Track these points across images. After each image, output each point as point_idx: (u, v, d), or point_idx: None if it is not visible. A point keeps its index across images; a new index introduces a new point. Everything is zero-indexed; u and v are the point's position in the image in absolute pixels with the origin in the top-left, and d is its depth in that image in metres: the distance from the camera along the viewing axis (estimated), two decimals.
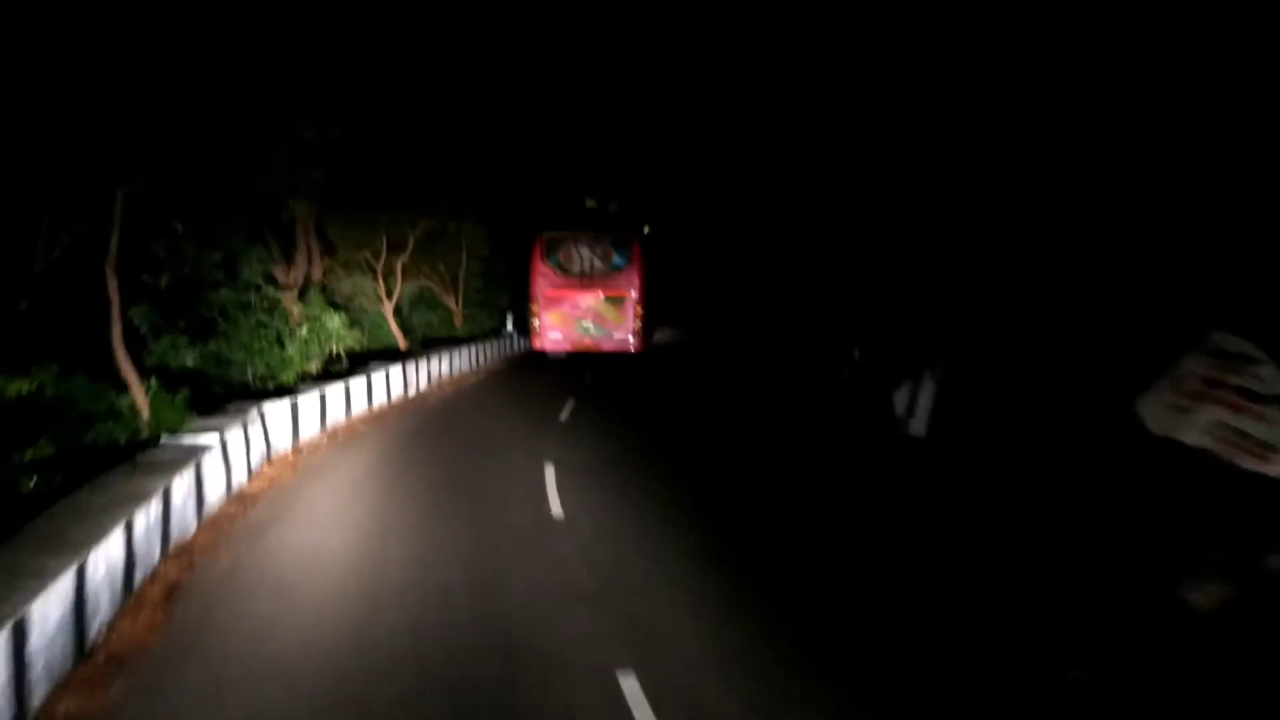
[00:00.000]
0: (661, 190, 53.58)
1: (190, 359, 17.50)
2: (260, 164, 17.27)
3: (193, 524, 11.45)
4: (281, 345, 21.09)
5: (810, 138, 33.47)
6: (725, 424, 20.30)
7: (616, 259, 28.44)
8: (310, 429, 17.71)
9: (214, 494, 12.46)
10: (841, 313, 23.20)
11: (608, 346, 28.52)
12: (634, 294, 28.46)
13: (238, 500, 13.21)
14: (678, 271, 45.00)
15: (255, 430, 14.97)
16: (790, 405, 22.23)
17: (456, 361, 29.46)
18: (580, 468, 15.55)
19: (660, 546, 11.24)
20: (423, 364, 25.71)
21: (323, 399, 18.49)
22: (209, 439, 12.99)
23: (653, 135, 49.76)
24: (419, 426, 19.98)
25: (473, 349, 31.71)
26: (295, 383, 20.15)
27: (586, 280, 28.53)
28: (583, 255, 28.18)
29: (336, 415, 19.15)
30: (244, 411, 15.22)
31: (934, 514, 12.75)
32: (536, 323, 28.86)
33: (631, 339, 28.38)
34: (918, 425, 16.04)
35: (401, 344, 31.05)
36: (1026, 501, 11.87)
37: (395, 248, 30.98)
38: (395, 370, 23.24)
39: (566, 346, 28.98)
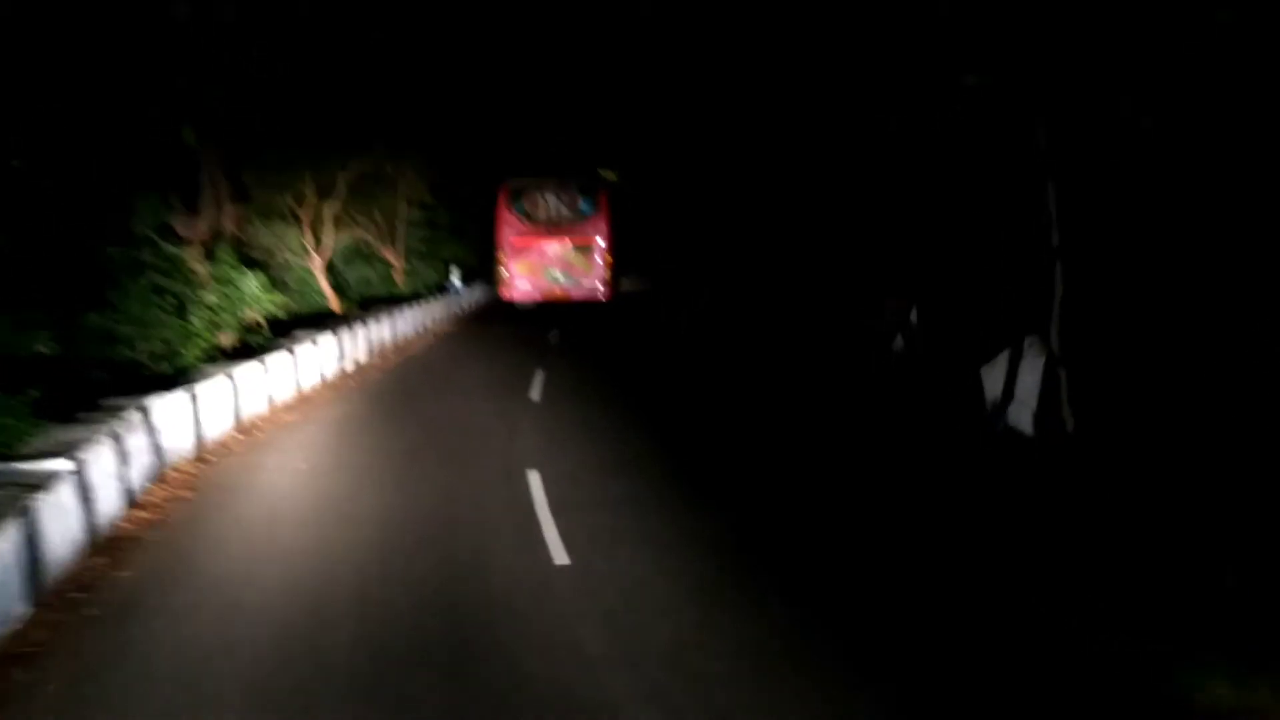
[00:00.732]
0: (628, 135, 50.11)
1: (42, 342, 13.34)
2: (131, 72, 13.01)
3: (17, 606, 7.64)
4: (183, 315, 17.01)
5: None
6: (736, 413, 16.19)
7: (583, 206, 27.89)
8: (218, 425, 13.80)
9: (61, 547, 8.61)
10: (884, 262, 18.87)
11: (576, 295, 28.09)
12: (602, 242, 27.94)
13: (106, 549, 9.37)
14: (647, 219, 41.72)
15: (137, 439, 11.09)
16: (817, 384, 17.83)
17: (400, 325, 25.50)
18: (571, 477, 11.98)
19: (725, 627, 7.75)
20: (360, 330, 21.75)
21: (234, 384, 14.57)
22: (57, 465, 9.11)
23: (616, 74, 45.72)
24: (359, 415, 16.18)
25: (418, 309, 27.73)
26: (200, 362, 16.16)
27: (553, 228, 27.91)
28: (549, 202, 27.57)
29: (254, 404, 15.24)
30: (120, 413, 11.32)
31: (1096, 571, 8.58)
32: (504, 272, 28.16)
33: (600, 287, 28.04)
34: (1019, 414, 12.00)
35: (335, 306, 26.95)
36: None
37: (324, 193, 26.70)
38: (327, 340, 19.27)
39: (536, 296, 28.31)
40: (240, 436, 14.10)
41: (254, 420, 15.01)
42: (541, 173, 30.10)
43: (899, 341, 16.83)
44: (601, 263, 28.02)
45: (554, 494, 11.13)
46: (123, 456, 10.49)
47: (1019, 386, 11.73)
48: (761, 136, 30.63)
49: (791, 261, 36.31)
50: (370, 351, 22.38)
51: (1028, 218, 12.12)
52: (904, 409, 15.01)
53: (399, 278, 33.16)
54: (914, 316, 16.05)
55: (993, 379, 12.48)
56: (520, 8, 37.69)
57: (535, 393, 17.70)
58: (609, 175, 36.81)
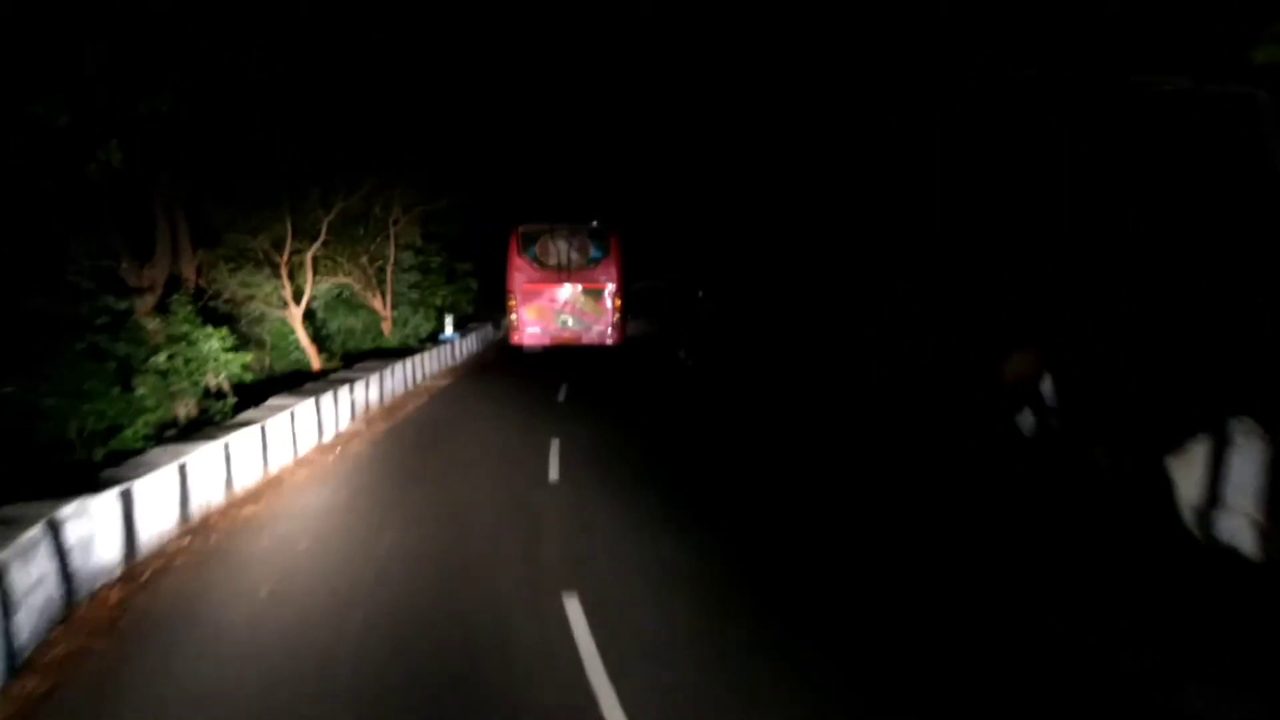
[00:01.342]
0: (626, 180, 48.80)
1: None
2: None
3: None
4: (128, 383, 13.99)
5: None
6: (816, 503, 12.62)
7: (594, 251, 27.94)
8: (158, 527, 10.77)
9: None
10: (985, 300, 15.21)
11: (587, 340, 28.28)
12: (612, 286, 28.05)
13: None
14: (644, 263, 40.39)
15: (33, 569, 8.06)
16: (912, 483, 13.42)
17: (389, 382, 22.51)
18: (624, 602, 8.97)
19: None
20: (343, 392, 18.74)
21: (183, 474, 11.54)
22: None
23: (613, 122, 44.23)
24: (338, 507, 13.08)
25: (409, 363, 24.72)
26: (146, 443, 13.14)
27: (564, 273, 27.99)
28: (560, 248, 27.60)
29: (209, 494, 12.20)
30: (16, 529, 8.28)
31: None
32: (514, 317, 28.27)
33: (610, 331, 28.22)
34: (1233, 526, 8.70)
35: (315, 362, 23.94)
36: None
37: (304, 235, 23.82)
38: (303, 408, 16.25)
39: (546, 340, 28.38)
40: (185, 543, 11.03)
41: (208, 516, 11.96)
42: (540, 215, 29.73)
43: (1027, 419, 12.85)
44: (611, 307, 28.06)
45: (604, 633, 8.11)
46: (2, 600, 7.45)
47: (1227, 487, 8.64)
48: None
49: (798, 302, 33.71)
50: (355, 416, 19.38)
51: (1224, 242, 9.21)
52: (1055, 517, 11.21)
53: (387, 328, 30.23)
54: (1047, 386, 12.28)
55: (1186, 476, 9.25)
56: (514, 45, 35.88)
57: (553, 470, 14.70)
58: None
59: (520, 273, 28.13)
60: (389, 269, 30.49)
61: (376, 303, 30.47)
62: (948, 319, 18.10)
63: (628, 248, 29.38)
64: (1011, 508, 11.89)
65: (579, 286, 28.08)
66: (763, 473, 14.66)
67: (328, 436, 17.42)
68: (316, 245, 24.25)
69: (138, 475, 10.73)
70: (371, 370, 21.95)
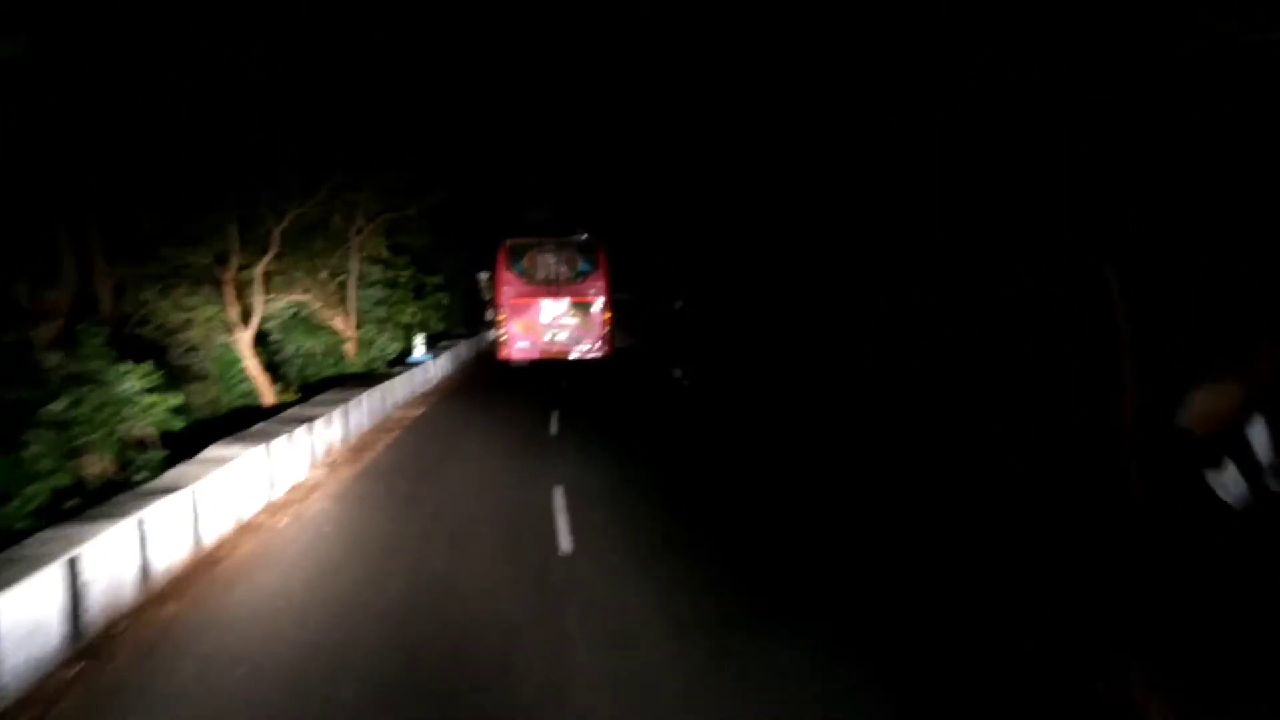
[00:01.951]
0: (603, 187, 46.81)
1: None
2: None
3: None
4: (15, 439, 10.83)
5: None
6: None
7: (582, 265, 27.76)
8: (32, 652, 7.66)
9: None
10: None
11: (576, 354, 28.09)
12: (601, 299, 27.88)
13: None
14: (626, 275, 38.25)
15: None
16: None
17: (355, 416, 19.41)
18: None
19: None
20: (300, 433, 15.66)
21: (73, 571, 8.42)
22: None
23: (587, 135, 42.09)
24: (288, 599, 9.97)
25: (375, 393, 21.61)
26: (31, 521, 9.98)
27: (553, 287, 27.77)
28: (548, 262, 27.51)
29: (110, 595, 9.07)
30: None
31: None
32: (503, 332, 28.14)
33: (599, 345, 28.08)
34: None
35: (268, 395, 20.78)
36: None
37: (253, 246, 20.69)
38: (249, 459, 13.14)
39: (535, 355, 28.18)
40: (74, 674, 7.91)
41: (111, 626, 8.84)
42: (523, 228, 29.96)
43: (1230, 479, 9.02)
44: (601, 320, 27.85)
45: None
46: None
47: None
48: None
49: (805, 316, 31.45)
50: (315, 461, 16.28)
51: None
52: None
53: (351, 350, 27.07)
54: (1260, 432, 8.67)
55: None
56: (490, 46, 33.41)
57: (563, 537, 11.65)
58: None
59: (509, 286, 27.89)
60: (351, 284, 27.37)
61: (339, 322, 27.32)
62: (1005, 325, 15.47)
63: (614, 260, 29.13)
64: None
65: (568, 300, 27.86)
66: (824, 547, 11.77)
67: (280, 490, 14.31)
68: (268, 258, 21.12)
69: (18, 575, 7.65)
70: (333, 403, 18.85)
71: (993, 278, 18.69)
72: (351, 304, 27.50)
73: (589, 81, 41.76)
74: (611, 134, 46.11)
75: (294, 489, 14.72)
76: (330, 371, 26.12)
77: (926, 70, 19.01)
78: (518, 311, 27.96)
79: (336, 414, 18.12)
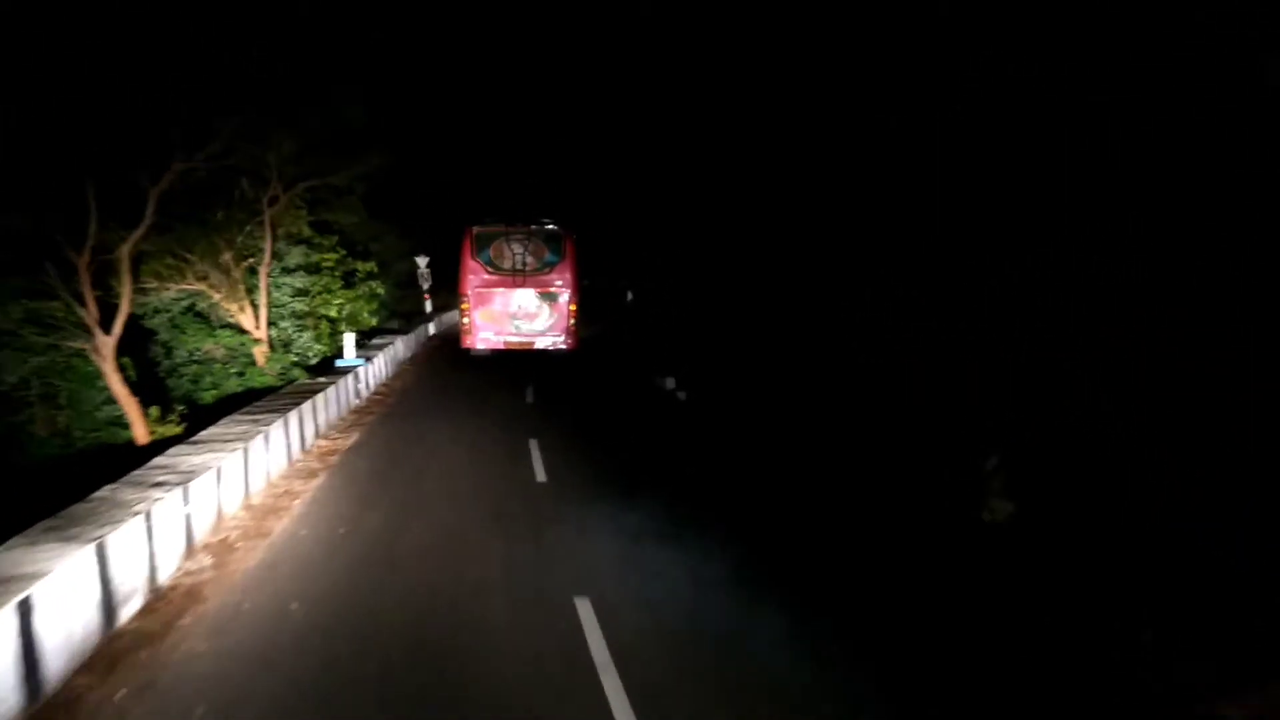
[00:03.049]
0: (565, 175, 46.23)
1: None
2: None
3: None
4: None
5: None
6: None
7: (549, 255, 26.96)
8: None
9: None
10: None
11: (540, 345, 27.30)
12: (567, 290, 27.00)
13: None
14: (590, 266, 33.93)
15: None
16: None
17: (258, 460, 13.59)
18: None
19: None
20: (172, 500, 9.90)
21: None
22: None
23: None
24: None
25: (291, 419, 15.75)
26: None
27: (518, 277, 26.85)
28: (514, 251, 26.75)
29: None
30: None
31: None
32: (467, 321, 27.20)
33: (565, 337, 27.25)
34: None
35: (139, 428, 14.81)
36: None
37: (118, 216, 14.68)
38: (78, 564, 7.39)
39: (499, 345, 27.35)
40: None
41: None
42: (484, 213, 28.02)
43: None
44: (567, 311, 26.91)
45: None
46: None
47: None
48: None
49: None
50: (192, 547, 10.49)
51: None
52: None
53: (261, 355, 21.04)
54: None
55: None
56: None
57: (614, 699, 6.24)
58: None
59: (474, 275, 26.60)
60: (264, 269, 21.35)
61: (246, 318, 21.28)
62: None
63: (582, 250, 28.03)
64: None
65: (533, 290, 26.80)
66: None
67: (134, 605, 8.55)
68: (140, 232, 15.09)
69: None
70: (228, 439, 13.04)
71: (980, 273, 19.04)
72: (263, 294, 21.48)
73: (561, 60, 37.85)
74: (581, 118, 41.65)
75: (154, 598, 8.94)
76: (234, 385, 20.12)
77: (921, 69, 19.53)
78: (482, 300, 26.82)
79: (229, 463, 12.30)
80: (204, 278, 20.03)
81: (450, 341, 36.73)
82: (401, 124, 30.27)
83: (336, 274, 27.28)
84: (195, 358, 20.72)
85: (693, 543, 10.84)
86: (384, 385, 24.74)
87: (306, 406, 16.80)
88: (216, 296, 20.29)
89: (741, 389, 24.59)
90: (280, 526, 11.84)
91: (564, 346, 27.17)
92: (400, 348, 30.81)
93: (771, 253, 34.78)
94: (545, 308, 26.89)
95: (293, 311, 23.55)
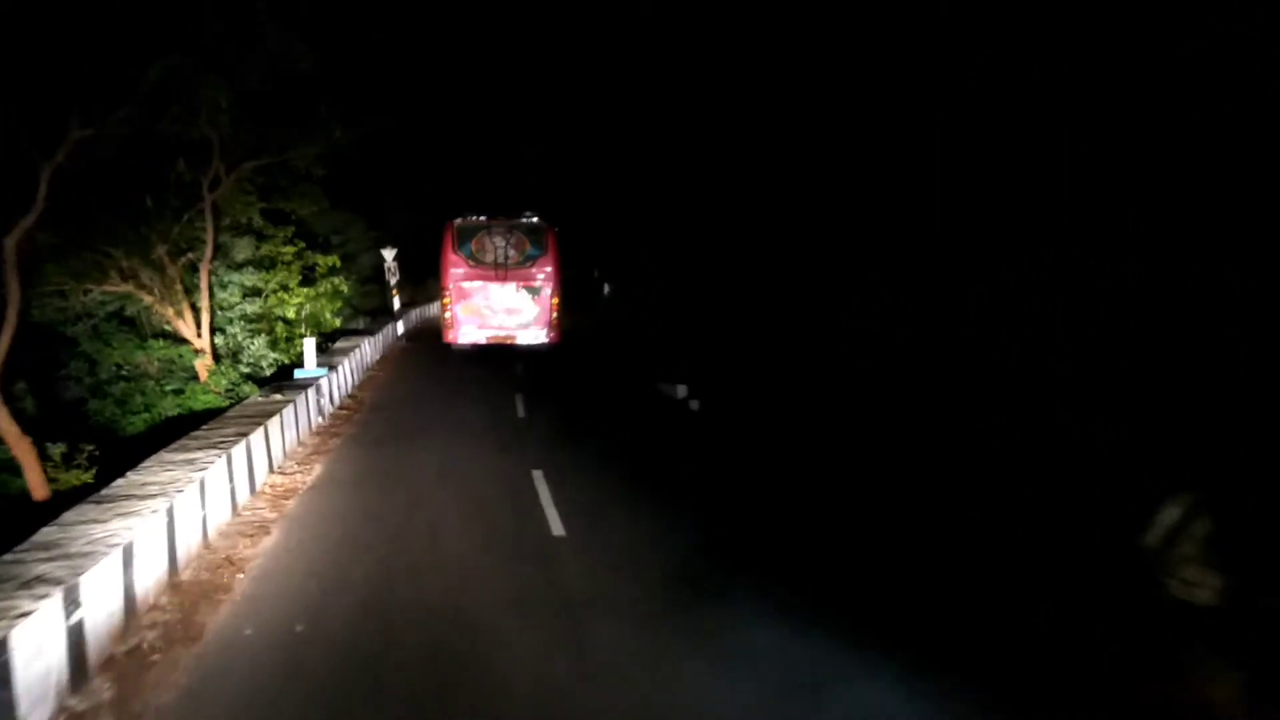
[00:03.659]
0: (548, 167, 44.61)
1: None
2: None
3: None
4: None
5: None
6: None
7: (531, 249, 26.32)
8: None
9: None
10: None
11: (523, 340, 26.57)
12: (549, 285, 26.35)
13: None
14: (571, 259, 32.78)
15: None
16: None
17: (194, 518, 10.31)
18: None
19: None
20: (46, 611, 6.65)
21: None
22: None
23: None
24: None
25: (236, 455, 12.47)
26: None
27: (500, 271, 26.18)
28: (496, 245, 26.03)
29: None
30: None
31: None
32: (449, 315, 26.42)
33: (547, 331, 26.50)
34: None
35: (34, 480, 11.45)
36: None
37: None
38: None
39: (481, 341, 26.54)
40: None
41: None
42: (460, 205, 27.94)
43: None
44: (549, 305, 26.44)
45: None
46: None
47: None
48: None
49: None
50: (86, 666, 7.23)
51: None
52: None
53: (204, 368, 17.64)
54: None
55: None
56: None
57: None
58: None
59: (456, 269, 26.06)
60: (204, 266, 17.94)
61: (185, 325, 17.87)
62: None
63: (563, 244, 27.39)
64: None
65: (515, 284, 26.32)
66: None
67: None
68: (30, 220, 11.68)
69: None
70: (149, 493, 9.80)
71: (970, 275, 19.16)
72: (205, 295, 18.08)
73: (551, 50, 35.79)
74: (569, 109, 39.01)
75: None
76: (170, 407, 16.70)
77: (915, 71, 19.65)
78: (464, 295, 26.29)
79: (149, 527, 9.04)
80: (132, 276, 16.62)
81: (423, 340, 33.90)
82: (371, 101, 26.87)
83: (294, 269, 23.87)
84: (124, 373, 17.28)
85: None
86: (350, 397, 21.42)
87: (257, 436, 13.51)
88: (148, 299, 16.87)
89: (758, 397, 21.62)
90: (216, 621, 8.60)
91: (547, 340, 26.69)
92: (368, 350, 27.47)
93: (772, 249, 32.55)
94: (528, 302, 26.31)
95: (242, 314, 20.15)
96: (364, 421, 18.56)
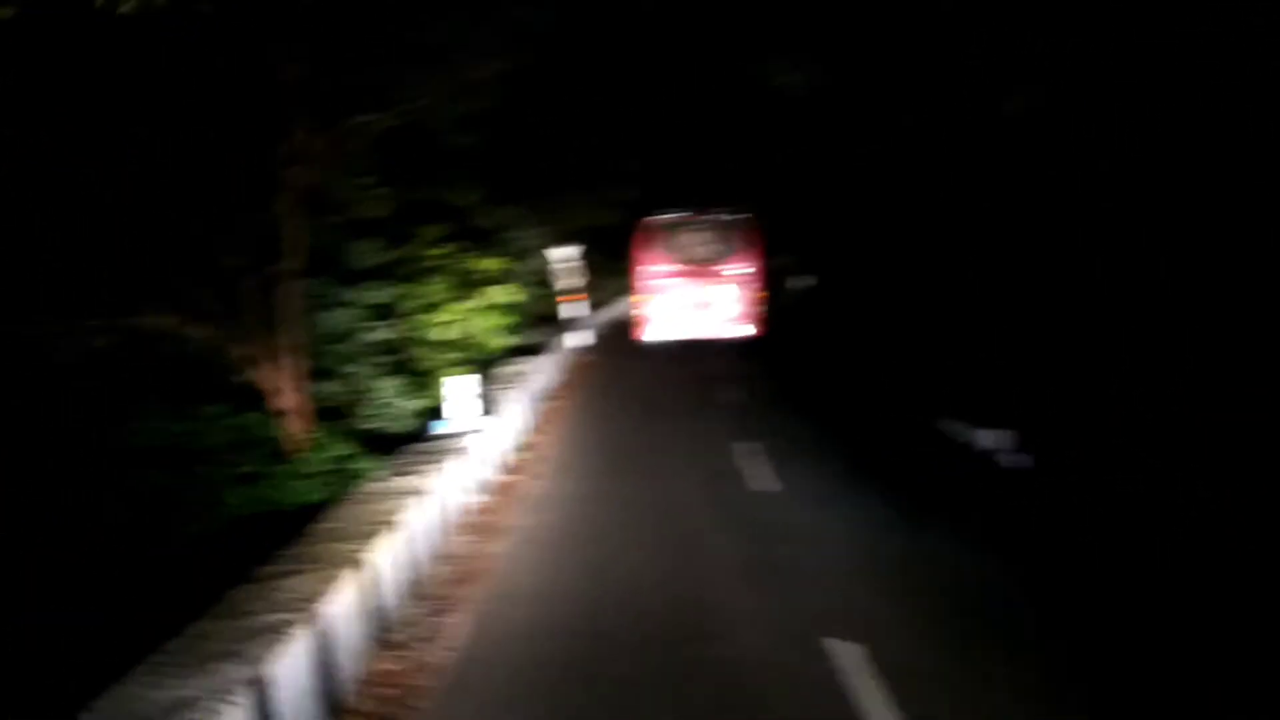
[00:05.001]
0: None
1: None
2: None
3: None
4: None
5: None
6: None
7: (731, 243, 25.09)
8: None
9: None
10: None
11: (724, 335, 25.35)
12: (751, 277, 24.99)
13: None
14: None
15: None
16: None
17: None
18: None
19: None
20: None
21: None
22: None
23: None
24: None
25: (291, 656, 5.77)
26: None
27: (698, 264, 25.20)
28: (694, 240, 25.21)
29: None
30: None
31: None
32: (642, 312, 25.43)
33: (750, 325, 25.20)
34: None
35: None
36: None
37: None
38: None
39: (678, 336, 25.40)
40: None
41: None
42: (659, 203, 26.62)
43: None
44: (751, 299, 24.87)
45: None
46: None
47: None
48: None
49: None
50: None
51: None
52: None
53: (297, 438, 11.31)
54: None
55: None
56: None
57: None
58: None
59: (651, 265, 24.79)
60: (286, 285, 11.68)
61: (269, 373, 11.68)
62: None
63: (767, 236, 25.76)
64: None
65: (715, 278, 24.75)
66: None
67: None
68: None
69: None
70: None
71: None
72: (293, 317, 11.89)
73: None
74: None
75: None
76: (239, 504, 10.51)
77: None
78: (658, 291, 25.17)
79: None
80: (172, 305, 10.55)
81: (610, 353, 28.25)
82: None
83: (449, 278, 17.79)
84: (174, 443, 11.22)
85: None
86: (522, 450, 14.89)
87: (342, 600, 7.02)
88: (200, 334, 10.76)
89: (1139, 463, 13.40)
90: None
91: (750, 336, 25.53)
92: (542, 377, 21.13)
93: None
94: (727, 297, 24.92)
95: (366, 346, 13.89)
96: (534, 525, 11.79)
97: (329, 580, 7.25)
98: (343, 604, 7.18)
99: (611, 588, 9.19)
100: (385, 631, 8.07)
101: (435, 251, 18.20)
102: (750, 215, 25.82)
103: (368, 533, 8.50)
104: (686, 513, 11.55)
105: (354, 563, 7.72)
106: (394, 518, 8.95)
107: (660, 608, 8.60)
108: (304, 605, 6.77)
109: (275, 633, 6.27)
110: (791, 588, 8.95)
